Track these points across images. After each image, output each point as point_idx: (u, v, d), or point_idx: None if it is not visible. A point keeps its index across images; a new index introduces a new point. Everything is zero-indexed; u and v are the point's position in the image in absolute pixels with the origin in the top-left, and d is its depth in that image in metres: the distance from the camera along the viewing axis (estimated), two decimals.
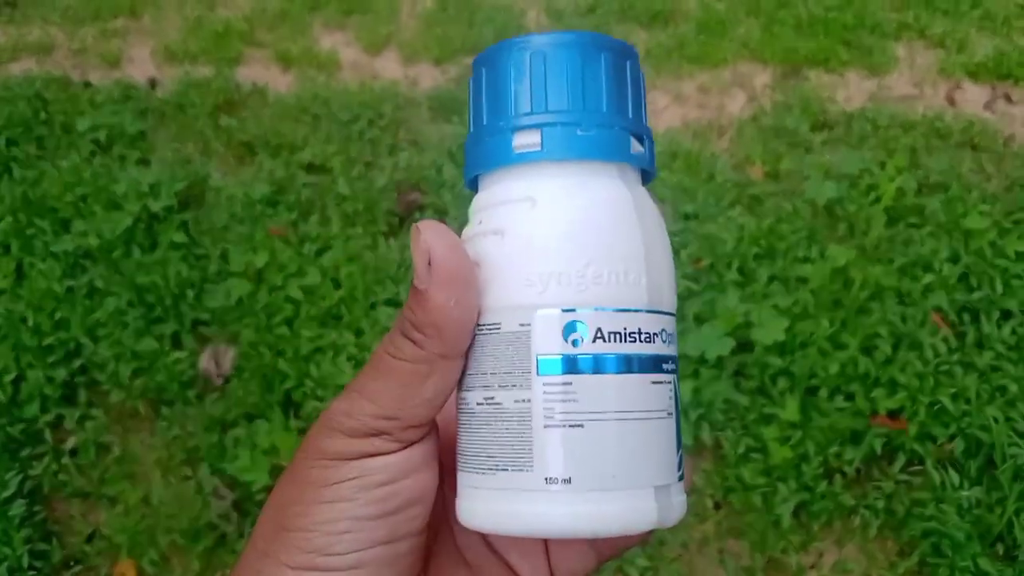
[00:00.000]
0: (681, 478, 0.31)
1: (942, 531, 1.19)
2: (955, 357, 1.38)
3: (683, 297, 1.51)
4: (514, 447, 0.29)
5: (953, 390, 1.32)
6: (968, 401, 1.31)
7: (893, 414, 1.32)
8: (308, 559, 0.30)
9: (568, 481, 0.29)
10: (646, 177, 0.34)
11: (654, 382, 0.30)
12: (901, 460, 1.29)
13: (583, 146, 0.31)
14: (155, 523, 1.27)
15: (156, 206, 1.65)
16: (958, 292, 1.47)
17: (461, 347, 0.30)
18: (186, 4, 2.58)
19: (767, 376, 1.38)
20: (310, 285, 1.53)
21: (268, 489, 1.26)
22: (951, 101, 2.09)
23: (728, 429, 1.34)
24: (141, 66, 2.30)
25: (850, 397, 1.35)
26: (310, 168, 1.86)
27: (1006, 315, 1.44)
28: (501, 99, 0.32)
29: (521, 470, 0.29)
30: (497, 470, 0.30)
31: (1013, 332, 1.41)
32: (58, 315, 1.48)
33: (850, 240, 1.62)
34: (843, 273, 1.50)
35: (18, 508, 1.25)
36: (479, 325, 0.30)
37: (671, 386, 0.31)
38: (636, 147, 0.32)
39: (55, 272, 1.55)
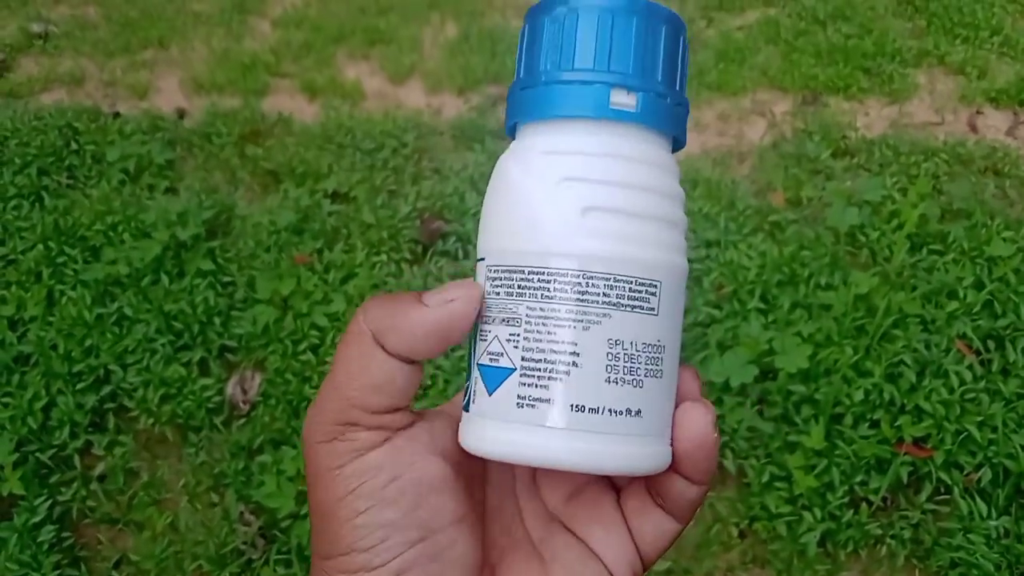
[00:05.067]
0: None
1: (970, 561, 1.18)
2: (981, 385, 1.37)
3: (705, 324, 1.51)
4: None
5: (979, 418, 1.31)
6: (995, 429, 1.30)
7: (919, 442, 1.32)
8: None
9: None
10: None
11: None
12: (928, 489, 1.28)
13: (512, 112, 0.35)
14: (182, 549, 1.28)
15: (184, 234, 1.68)
16: (983, 319, 1.46)
17: (396, 346, 0.31)
18: (213, 36, 2.63)
19: (791, 403, 1.37)
20: (335, 312, 1.55)
21: (293, 516, 1.27)
22: (973, 127, 2.09)
23: (752, 457, 1.34)
24: (169, 97, 2.35)
25: (875, 425, 1.34)
26: (335, 196, 1.88)
27: None
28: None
29: None
30: None
31: None
32: (88, 342, 1.51)
33: (873, 267, 1.61)
34: (866, 300, 1.50)
35: (47, 533, 1.27)
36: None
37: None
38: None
39: (85, 300, 1.57)
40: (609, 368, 0.30)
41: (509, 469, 0.36)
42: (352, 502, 0.30)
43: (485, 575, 0.33)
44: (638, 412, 0.30)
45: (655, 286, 0.31)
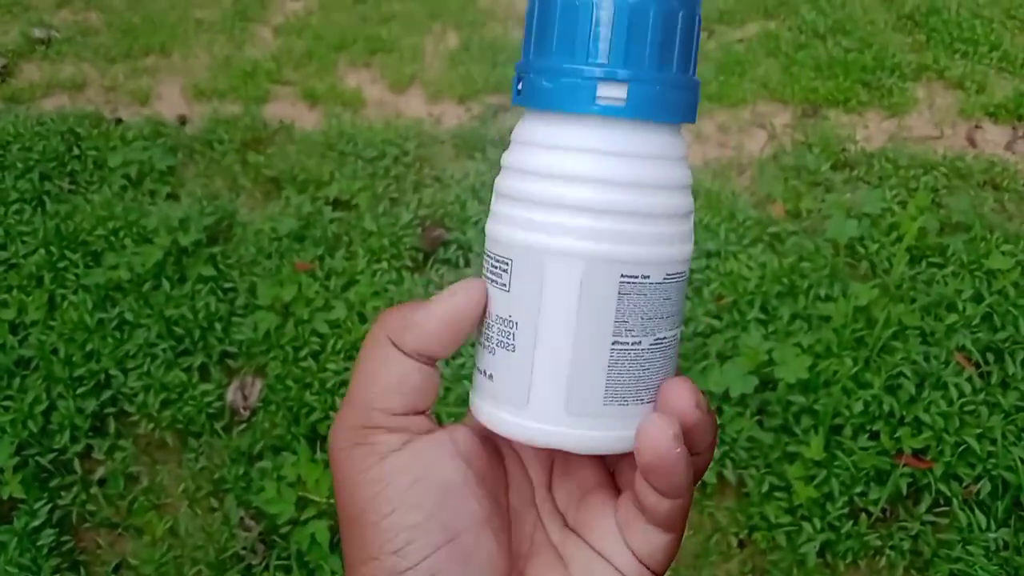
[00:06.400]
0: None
1: (969, 573, 1.18)
2: (980, 397, 1.37)
3: (705, 335, 1.52)
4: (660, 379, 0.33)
5: (978, 430, 1.32)
6: (994, 442, 1.31)
7: (918, 454, 1.32)
8: None
9: None
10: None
11: None
12: (927, 500, 1.28)
13: None
14: (182, 554, 1.28)
15: (185, 240, 1.68)
16: (982, 332, 1.47)
17: (411, 344, 0.32)
18: (215, 43, 2.64)
19: (790, 414, 1.38)
20: (336, 319, 1.55)
21: (293, 521, 1.27)
22: (972, 142, 2.10)
23: (751, 467, 1.34)
24: (171, 103, 2.36)
25: (875, 436, 1.34)
26: (336, 204, 1.89)
27: None
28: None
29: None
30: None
31: None
32: (89, 347, 1.51)
33: (872, 279, 1.62)
34: (866, 312, 1.50)
35: (47, 537, 1.27)
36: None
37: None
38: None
39: (86, 304, 1.57)
40: (481, 334, 0.34)
41: (527, 477, 0.36)
42: (377, 505, 0.30)
43: None
44: (490, 376, 0.33)
45: (507, 263, 0.33)
